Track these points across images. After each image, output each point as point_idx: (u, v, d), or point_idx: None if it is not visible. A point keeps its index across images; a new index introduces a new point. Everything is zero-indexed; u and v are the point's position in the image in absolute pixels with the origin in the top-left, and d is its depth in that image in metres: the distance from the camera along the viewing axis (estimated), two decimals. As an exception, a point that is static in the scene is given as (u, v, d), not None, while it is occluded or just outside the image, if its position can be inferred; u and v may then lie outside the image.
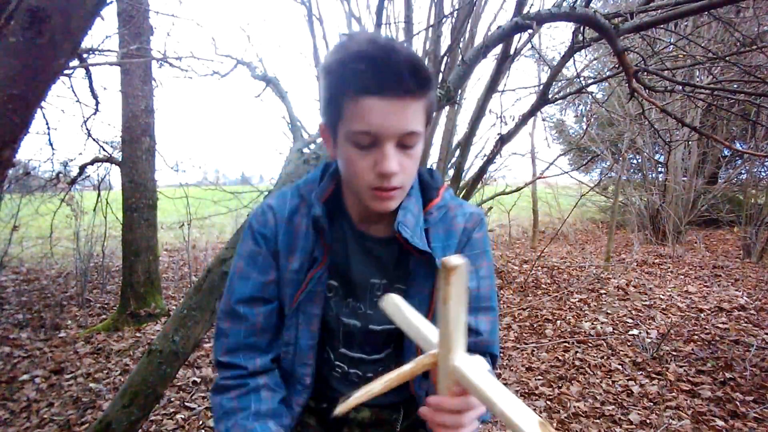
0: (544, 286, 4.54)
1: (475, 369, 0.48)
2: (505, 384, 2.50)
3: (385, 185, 0.63)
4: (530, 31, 1.60)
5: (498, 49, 2.39)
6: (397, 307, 0.60)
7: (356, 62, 0.58)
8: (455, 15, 2.31)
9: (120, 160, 3.61)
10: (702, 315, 3.50)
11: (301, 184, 0.78)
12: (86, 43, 3.22)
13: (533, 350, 2.97)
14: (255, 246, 0.76)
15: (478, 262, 0.78)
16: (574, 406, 2.24)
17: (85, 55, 3.39)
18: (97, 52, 3.53)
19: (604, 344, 3.00)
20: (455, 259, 0.42)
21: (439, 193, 0.78)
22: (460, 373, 0.48)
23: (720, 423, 2.05)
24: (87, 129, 3.78)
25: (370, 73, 0.58)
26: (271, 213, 0.76)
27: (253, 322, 0.76)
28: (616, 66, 2.67)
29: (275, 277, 0.76)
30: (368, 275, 0.77)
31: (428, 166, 0.87)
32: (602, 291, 4.25)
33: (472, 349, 0.73)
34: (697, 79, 5.52)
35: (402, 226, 0.70)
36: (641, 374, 2.57)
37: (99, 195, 4.27)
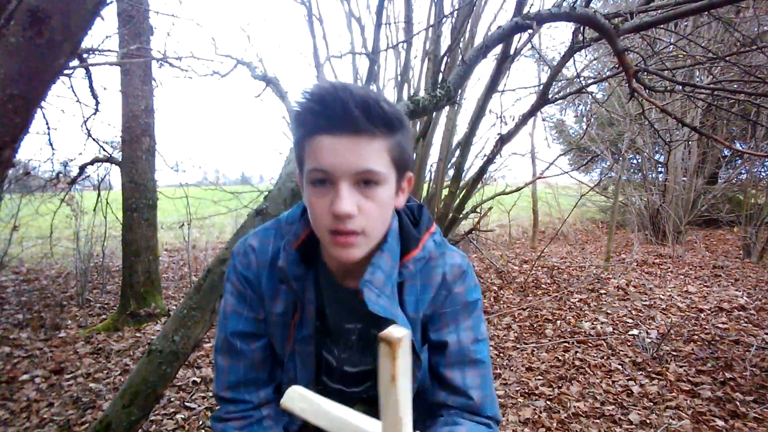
0: (544, 286, 4.54)
1: None
2: (504, 384, 2.50)
3: (340, 227, 0.60)
4: (530, 31, 1.60)
5: (498, 49, 2.40)
6: (307, 400, 0.51)
7: (310, 102, 0.60)
8: (455, 15, 2.31)
9: (120, 160, 3.60)
10: (702, 315, 3.50)
11: (283, 223, 0.78)
12: (86, 43, 3.22)
13: (533, 350, 2.97)
14: (240, 286, 0.76)
15: (458, 318, 0.74)
16: (574, 406, 2.24)
17: (85, 55, 3.39)
18: (97, 52, 3.53)
19: (604, 344, 3.00)
20: (397, 331, 0.37)
21: (420, 244, 0.74)
22: None
23: (720, 423, 2.05)
24: (87, 129, 3.78)
25: (320, 111, 0.59)
26: (253, 255, 0.76)
27: (251, 357, 0.76)
28: (616, 66, 2.67)
29: (265, 316, 0.77)
30: (342, 320, 0.76)
31: (419, 202, 0.81)
32: (602, 291, 4.25)
33: (463, 410, 0.72)
34: (697, 79, 5.52)
35: (367, 285, 0.66)
36: (641, 374, 2.57)
37: (99, 195, 4.26)
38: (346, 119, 0.58)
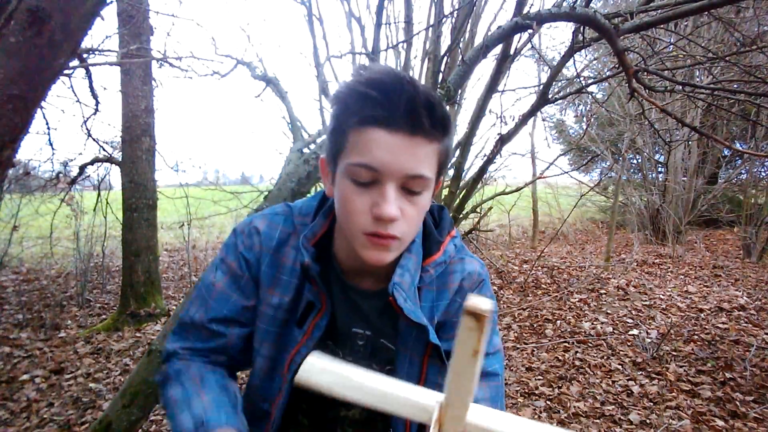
0: (544, 286, 4.54)
1: (493, 416, 0.40)
2: (505, 384, 2.50)
3: (380, 231, 0.56)
4: (530, 31, 1.60)
5: (498, 49, 2.40)
6: (329, 372, 0.45)
7: (367, 89, 0.53)
8: (455, 15, 2.31)
9: (120, 160, 3.61)
10: (702, 315, 3.50)
11: (296, 213, 0.71)
12: (86, 43, 3.22)
13: (533, 350, 2.97)
14: (238, 268, 0.70)
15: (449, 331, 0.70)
16: (574, 406, 2.24)
17: (85, 55, 3.38)
18: (97, 52, 3.53)
19: (604, 344, 3.00)
20: (483, 303, 0.34)
21: (441, 247, 0.70)
22: (477, 429, 0.40)
23: (720, 423, 2.05)
24: (87, 129, 3.78)
25: (380, 101, 0.52)
26: (258, 238, 0.70)
27: (225, 339, 0.70)
28: (616, 66, 2.67)
29: (255, 304, 0.70)
30: (351, 324, 0.71)
31: (438, 203, 0.78)
32: (602, 291, 4.25)
33: None
34: (697, 79, 5.52)
35: (397, 288, 0.62)
36: (641, 374, 2.57)
37: (99, 195, 4.27)
38: (409, 116, 0.52)
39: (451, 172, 3.31)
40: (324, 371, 0.45)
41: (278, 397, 0.70)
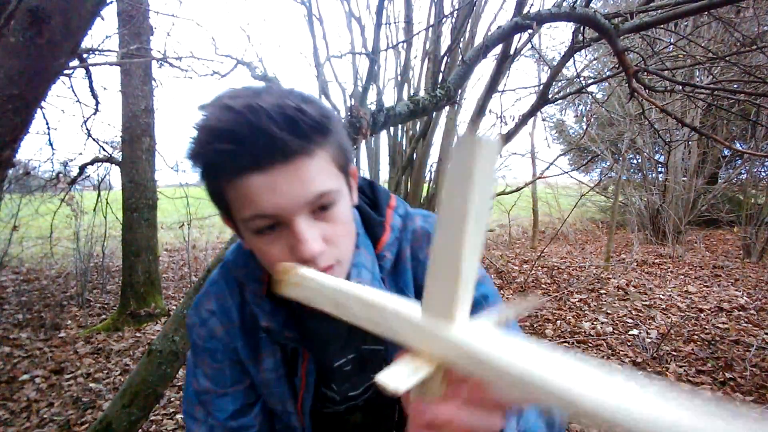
0: (544, 286, 4.54)
1: (489, 335, 0.29)
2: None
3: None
4: (530, 31, 1.60)
5: (498, 49, 2.40)
6: (316, 285, 0.40)
7: (217, 143, 0.46)
8: (455, 15, 2.31)
9: (120, 160, 3.61)
10: (702, 315, 3.50)
11: (233, 268, 0.64)
12: (86, 43, 3.22)
13: (533, 350, 2.97)
14: (214, 362, 0.65)
15: None
16: (574, 406, 2.24)
17: (85, 55, 3.39)
18: (97, 52, 3.53)
19: (604, 344, 3.00)
20: (482, 137, 0.26)
21: (386, 225, 0.63)
22: (464, 349, 0.28)
23: (720, 423, 2.05)
24: (87, 129, 3.79)
25: (235, 150, 0.46)
26: (215, 320, 0.64)
27: (251, 419, 0.67)
28: (616, 66, 2.67)
29: (251, 379, 0.67)
30: (332, 359, 0.66)
31: (365, 177, 0.70)
32: (602, 291, 4.25)
33: None
34: (697, 79, 5.52)
35: None
36: (641, 374, 2.57)
37: (99, 195, 4.27)
38: (273, 148, 0.46)
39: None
40: (309, 282, 0.41)
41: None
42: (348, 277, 0.57)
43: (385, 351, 0.65)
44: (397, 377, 0.29)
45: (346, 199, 0.54)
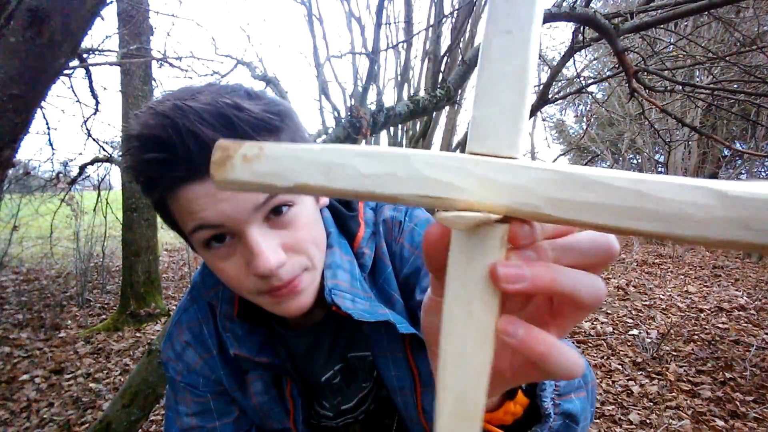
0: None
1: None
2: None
3: (275, 284, 0.45)
4: (530, 31, 1.60)
5: (498, 49, 2.40)
6: (278, 149, 0.23)
7: (148, 153, 0.42)
8: (455, 15, 2.32)
9: (120, 160, 3.61)
10: (702, 315, 3.50)
11: (202, 289, 0.60)
12: (86, 43, 3.22)
13: (533, 350, 2.97)
14: (196, 398, 0.60)
15: (419, 273, 0.57)
16: (574, 406, 2.24)
17: (85, 55, 3.38)
18: (97, 52, 3.53)
19: (604, 344, 3.00)
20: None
21: (359, 219, 0.59)
22: (553, 177, 0.20)
23: (720, 423, 2.05)
24: (87, 129, 3.78)
25: (168, 158, 0.41)
26: (191, 352, 0.59)
27: None
28: (616, 66, 2.67)
29: (240, 408, 0.62)
30: (317, 374, 0.62)
31: None
32: (602, 291, 4.25)
33: None
34: (697, 79, 5.52)
35: (335, 293, 0.51)
36: (641, 374, 2.57)
37: (99, 195, 4.27)
38: (207, 152, 0.36)
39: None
40: (280, 153, 0.19)
41: None
42: (322, 282, 0.52)
43: (373, 357, 0.59)
44: (458, 216, 0.20)
45: (308, 200, 0.49)
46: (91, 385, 2.53)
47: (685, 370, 2.58)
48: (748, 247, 0.17)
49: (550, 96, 2.68)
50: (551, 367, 0.21)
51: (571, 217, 0.19)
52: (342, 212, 0.59)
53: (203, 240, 0.45)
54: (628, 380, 2.50)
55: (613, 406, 2.25)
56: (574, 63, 2.50)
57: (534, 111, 2.73)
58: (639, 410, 2.20)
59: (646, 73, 2.13)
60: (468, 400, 0.22)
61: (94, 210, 4.28)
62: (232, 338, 0.55)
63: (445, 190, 0.20)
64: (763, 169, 7.37)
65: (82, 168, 3.90)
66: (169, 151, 0.41)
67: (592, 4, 1.66)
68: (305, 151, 0.22)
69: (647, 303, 3.85)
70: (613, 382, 2.50)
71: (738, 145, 7.75)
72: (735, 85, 3.37)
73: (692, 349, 2.85)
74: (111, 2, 3.26)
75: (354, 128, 1.41)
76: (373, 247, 0.58)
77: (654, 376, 2.54)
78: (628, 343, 3.00)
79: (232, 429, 0.61)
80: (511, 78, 0.21)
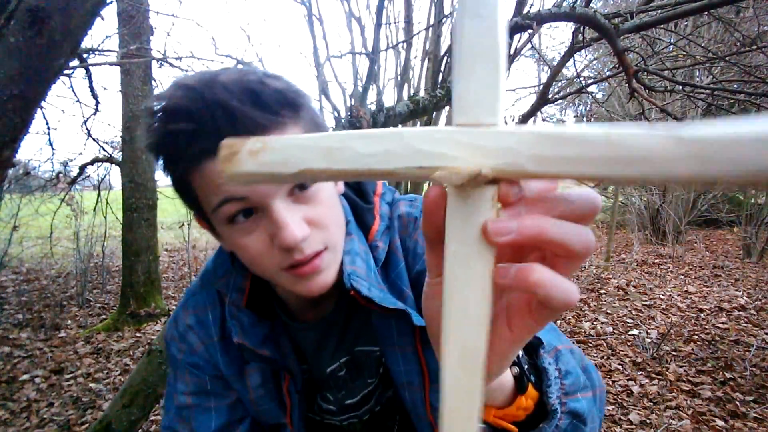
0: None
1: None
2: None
3: (299, 258, 0.45)
4: (530, 31, 1.60)
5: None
6: (280, 141, 0.24)
7: (176, 124, 0.42)
8: (455, 15, 2.32)
9: (120, 160, 3.61)
10: (702, 315, 3.50)
11: (213, 277, 0.61)
12: (86, 43, 3.22)
13: (533, 350, 2.97)
14: (195, 378, 0.60)
15: None
16: (574, 406, 2.24)
17: (85, 55, 3.39)
18: (97, 52, 3.54)
19: (604, 344, 3.00)
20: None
21: (375, 213, 0.59)
22: (531, 138, 0.22)
23: (720, 423, 2.05)
24: (87, 129, 3.79)
25: (196, 130, 0.42)
26: (194, 336, 0.60)
27: None
28: (616, 66, 2.67)
29: (237, 395, 0.62)
30: (323, 365, 0.62)
31: None
32: (602, 291, 4.25)
33: None
34: (697, 79, 5.52)
35: (355, 278, 0.51)
36: (641, 374, 2.57)
37: (99, 195, 4.27)
38: (238, 124, 0.41)
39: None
40: (282, 144, 0.25)
41: None
42: (341, 267, 0.52)
43: (381, 352, 0.59)
44: (451, 172, 0.22)
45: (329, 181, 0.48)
46: (91, 385, 2.53)
47: (685, 370, 2.58)
48: (704, 181, 0.19)
49: (550, 96, 2.68)
50: (547, 292, 0.22)
51: (553, 170, 0.21)
52: (358, 204, 0.60)
53: (228, 215, 0.45)
54: (628, 380, 2.50)
55: (613, 406, 2.25)
56: (574, 63, 2.50)
57: (534, 111, 2.73)
58: (639, 410, 2.20)
59: (646, 73, 2.14)
60: (471, 350, 0.24)
61: (94, 210, 4.28)
62: (238, 326, 0.55)
63: (437, 160, 0.22)
64: (763, 169, 7.36)
65: (82, 168, 3.90)
66: (197, 122, 0.42)
67: (592, 4, 1.67)
68: (306, 139, 0.24)
69: (647, 303, 3.85)
70: (613, 382, 2.50)
71: (738, 145, 7.75)
72: (735, 85, 3.37)
73: (692, 349, 2.84)
74: (111, 2, 3.26)
75: (354, 128, 1.41)
76: (387, 241, 0.59)
77: (654, 376, 2.54)
78: (628, 343, 3.00)
79: (227, 412, 0.61)
80: (485, 55, 0.23)
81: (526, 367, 0.41)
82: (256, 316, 0.57)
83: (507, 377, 0.39)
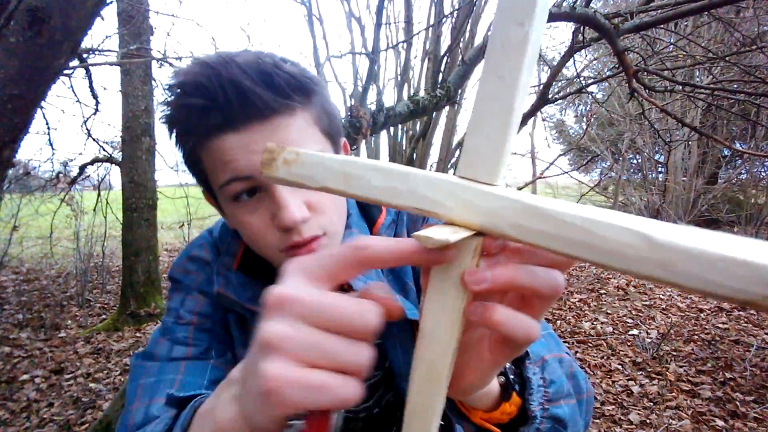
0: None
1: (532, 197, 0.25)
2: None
3: (297, 240, 0.46)
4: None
5: (498, 49, 2.39)
6: (310, 156, 0.29)
7: (188, 98, 0.44)
8: (455, 15, 2.31)
9: (120, 160, 3.61)
10: (702, 315, 3.50)
11: (216, 239, 0.61)
12: (86, 43, 3.22)
13: (533, 350, 2.97)
14: (206, 302, 0.59)
15: None
16: (574, 406, 2.24)
17: (85, 55, 3.38)
18: (97, 52, 3.53)
19: (604, 344, 3.00)
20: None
21: (382, 206, 0.57)
22: (515, 207, 0.24)
23: (720, 423, 2.05)
24: (87, 129, 3.78)
25: (208, 105, 0.43)
26: (207, 267, 0.60)
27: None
28: (616, 66, 2.67)
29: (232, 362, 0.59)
30: None
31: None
32: (602, 291, 4.25)
33: None
34: (697, 79, 5.52)
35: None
36: (641, 374, 2.57)
37: (99, 195, 4.27)
38: (249, 104, 0.43)
39: (451, 172, 3.31)
40: (311, 160, 0.29)
41: None
42: None
43: (383, 345, 0.58)
44: (439, 233, 0.24)
45: None
46: (91, 385, 2.53)
47: (685, 370, 2.58)
48: (666, 284, 0.20)
49: (550, 96, 2.68)
50: (508, 331, 0.26)
51: (529, 240, 0.24)
52: None
53: (233, 193, 0.46)
54: (628, 380, 2.50)
55: (613, 406, 2.25)
56: (574, 63, 2.50)
57: (534, 111, 2.73)
58: (639, 410, 2.20)
59: (646, 73, 2.13)
60: (436, 368, 0.28)
61: (94, 210, 4.28)
62: (222, 280, 0.55)
63: (433, 206, 0.26)
64: (763, 169, 7.36)
65: (82, 168, 3.90)
66: (208, 97, 0.43)
67: (592, 4, 1.66)
68: (332, 161, 0.28)
69: (647, 303, 3.85)
70: (613, 382, 2.50)
71: (738, 145, 7.75)
72: (735, 85, 3.37)
73: (692, 349, 2.84)
74: (111, 2, 3.26)
75: (354, 128, 1.41)
76: (392, 234, 0.59)
77: (654, 376, 2.54)
78: (628, 343, 3.00)
79: (222, 373, 0.55)
80: (498, 116, 0.25)
81: (512, 377, 0.44)
82: (245, 277, 0.56)
83: (494, 385, 0.41)
